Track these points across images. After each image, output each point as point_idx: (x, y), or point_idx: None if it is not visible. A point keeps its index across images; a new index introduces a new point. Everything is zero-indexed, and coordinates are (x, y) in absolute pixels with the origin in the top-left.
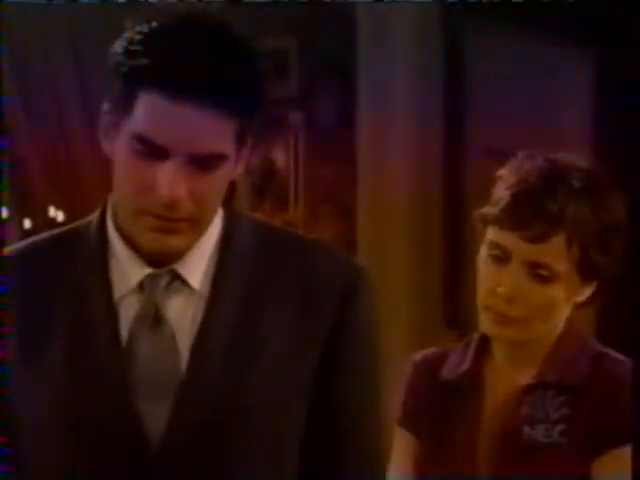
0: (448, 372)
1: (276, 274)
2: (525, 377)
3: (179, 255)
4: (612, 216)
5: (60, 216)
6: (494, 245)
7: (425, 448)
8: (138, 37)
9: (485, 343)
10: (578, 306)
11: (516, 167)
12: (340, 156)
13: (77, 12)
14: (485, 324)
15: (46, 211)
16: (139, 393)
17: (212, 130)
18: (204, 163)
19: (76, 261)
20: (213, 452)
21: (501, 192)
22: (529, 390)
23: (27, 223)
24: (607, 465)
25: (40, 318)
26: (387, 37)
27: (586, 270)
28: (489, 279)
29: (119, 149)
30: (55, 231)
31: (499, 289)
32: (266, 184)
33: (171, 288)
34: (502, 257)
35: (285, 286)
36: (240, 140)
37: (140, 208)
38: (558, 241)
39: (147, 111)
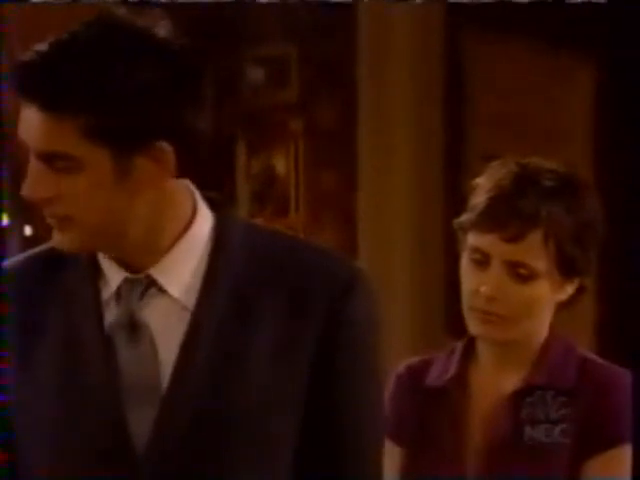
0: (433, 379)
1: (265, 284)
2: (512, 381)
3: (146, 257)
4: (586, 213)
5: None
6: (474, 250)
7: (411, 456)
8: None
9: (470, 348)
10: (561, 306)
11: (490, 174)
12: (340, 162)
13: (77, 12)
14: (471, 325)
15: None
16: (123, 400)
17: (50, 129)
18: (52, 163)
19: (69, 272)
20: (199, 462)
21: (477, 198)
22: (517, 395)
23: (28, 230)
24: (595, 469)
25: (33, 331)
26: (388, 43)
27: (565, 266)
28: (471, 281)
29: None
30: (47, 245)
31: (481, 289)
32: (266, 190)
33: (148, 294)
34: (482, 260)
35: (275, 297)
36: (95, 139)
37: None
38: (535, 239)
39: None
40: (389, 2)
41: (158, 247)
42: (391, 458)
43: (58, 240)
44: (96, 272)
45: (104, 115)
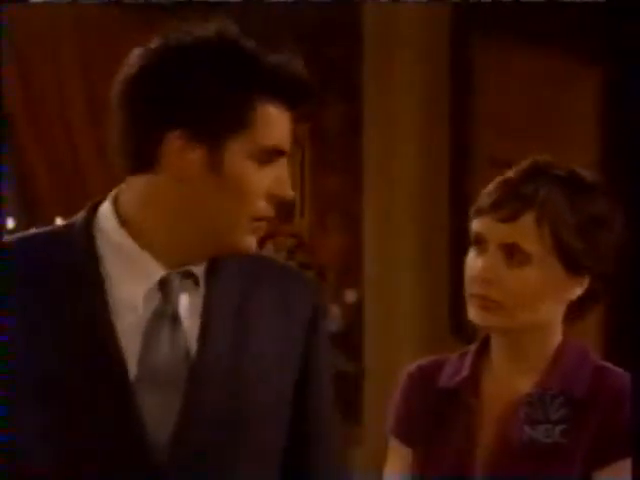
0: (445, 380)
1: (258, 284)
2: (525, 385)
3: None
4: (596, 208)
5: None
6: (475, 236)
7: (421, 457)
8: (237, 54)
9: (484, 351)
10: (573, 312)
11: (506, 171)
12: (346, 166)
13: (82, 12)
14: (470, 312)
15: (53, 222)
16: (148, 394)
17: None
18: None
19: (62, 264)
20: (216, 457)
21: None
22: (529, 398)
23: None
24: (608, 477)
25: (30, 315)
26: (394, 47)
27: (565, 257)
28: (471, 268)
29: (228, 163)
30: (35, 231)
31: (476, 273)
32: None
33: (183, 287)
34: (482, 246)
35: (268, 296)
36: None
37: (249, 214)
38: (527, 220)
39: (271, 122)
40: (395, 4)
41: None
42: (401, 459)
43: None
44: (97, 273)
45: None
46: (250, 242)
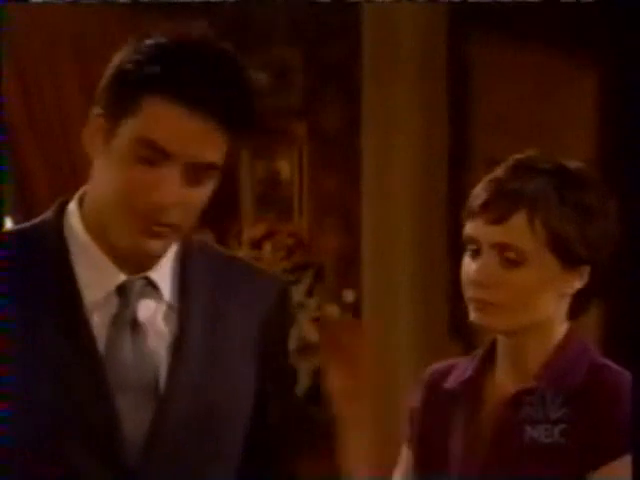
0: (451, 382)
1: (225, 290)
2: (523, 382)
3: (152, 261)
4: (585, 200)
5: None
6: (469, 240)
7: (423, 458)
8: (149, 49)
9: (491, 353)
10: (576, 307)
11: (494, 169)
12: (344, 167)
13: (81, 13)
14: (470, 314)
15: None
16: (118, 397)
17: (212, 141)
18: (199, 173)
19: (34, 264)
20: (191, 458)
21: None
22: (523, 394)
23: None
24: (604, 476)
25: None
26: (392, 48)
27: (560, 249)
28: (467, 272)
29: (115, 151)
30: (14, 228)
31: (472, 276)
32: (270, 194)
33: (144, 293)
34: (476, 249)
35: (234, 301)
36: (228, 155)
37: (131, 210)
38: (518, 219)
39: (156, 118)
40: (393, 4)
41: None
42: (405, 461)
43: (149, 247)
44: (72, 271)
45: (243, 132)
46: (131, 241)
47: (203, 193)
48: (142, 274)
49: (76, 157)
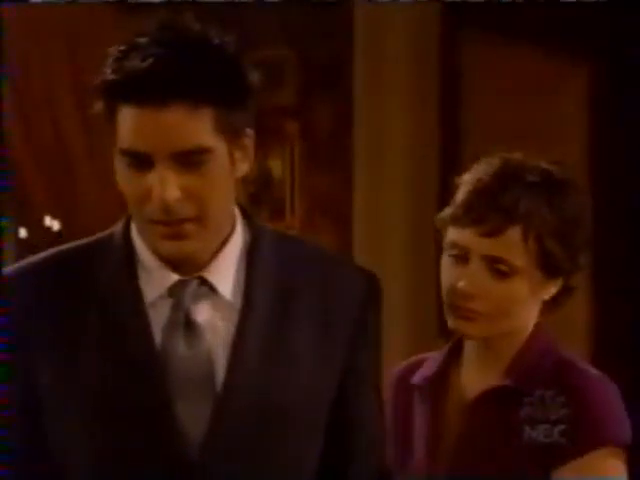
0: (417, 378)
1: (298, 287)
2: (492, 379)
3: (199, 260)
4: (571, 209)
5: (56, 225)
6: (453, 245)
7: (397, 453)
8: (111, 57)
9: (458, 348)
10: (548, 306)
11: (475, 170)
12: (336, 166)
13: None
14: (449, 320)
15: (42, 220)
16: (176, 396)
17: (185, 125)
18: (189, 159)
19: (103, 271)
20: (250, 459)
21: (459, 194)
22: (491, 394)
23: (23, 232)
24: (566, 476)
25: (69, 331)
26: (384, 47)
27: (547, 264)
28: (450, 277)
29: (116, 165)
30: (76, 243)
31: (459, 285)
32: (262, 192)
33: (199, 294)
34: (461, 255)
35: (308, 299)
36: (224, 130)
37: (145, 218)
38: (513, 234)
39: (125, 125)
40: (385, 4)
41: (213, 248)
42: None
43: (182, 249)
44: (135, 274)
45: (230, 103)
46: (165, 247)
47: (206, 178)
48: (196, 274)
49: (68, 154)
